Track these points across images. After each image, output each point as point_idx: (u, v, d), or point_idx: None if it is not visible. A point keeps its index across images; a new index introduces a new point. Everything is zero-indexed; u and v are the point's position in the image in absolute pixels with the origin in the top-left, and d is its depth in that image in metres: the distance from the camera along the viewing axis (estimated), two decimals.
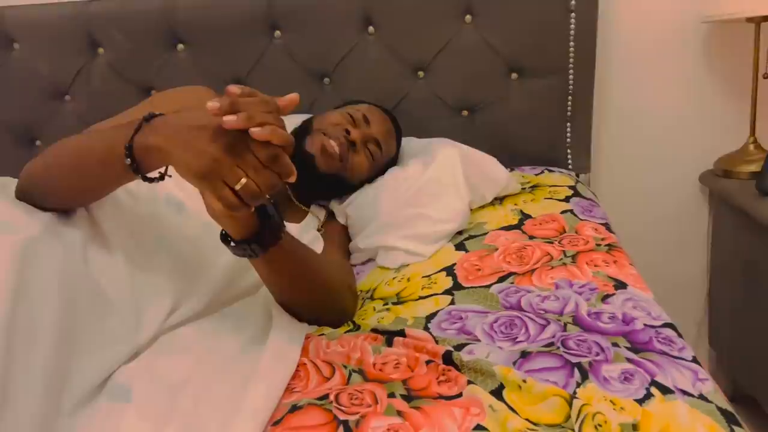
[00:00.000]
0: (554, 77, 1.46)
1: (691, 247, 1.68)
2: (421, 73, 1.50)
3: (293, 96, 0.67)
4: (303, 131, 1.15)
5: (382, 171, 1.22)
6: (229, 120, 0.61)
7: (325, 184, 1.15)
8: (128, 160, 0.69)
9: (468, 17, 1.45)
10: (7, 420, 0.60)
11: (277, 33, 1.51)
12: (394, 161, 1.27)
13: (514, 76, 1.48)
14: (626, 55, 1.56)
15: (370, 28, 1.48)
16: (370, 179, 1.21)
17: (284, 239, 0.78)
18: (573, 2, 1.41)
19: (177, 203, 0.92)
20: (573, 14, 1.41)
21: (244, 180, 0.63)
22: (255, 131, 0.61)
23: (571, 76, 1.46)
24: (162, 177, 0.73)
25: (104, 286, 0.79)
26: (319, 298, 0.89)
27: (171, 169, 0.70)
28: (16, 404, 0.61)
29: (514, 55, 1.46)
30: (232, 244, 0.76)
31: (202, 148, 0.63)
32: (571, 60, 1.45)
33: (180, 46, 1.55)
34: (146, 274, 0.84)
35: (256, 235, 0.75)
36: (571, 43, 1.43)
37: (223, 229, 0.76)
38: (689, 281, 1.69)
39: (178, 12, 1.51)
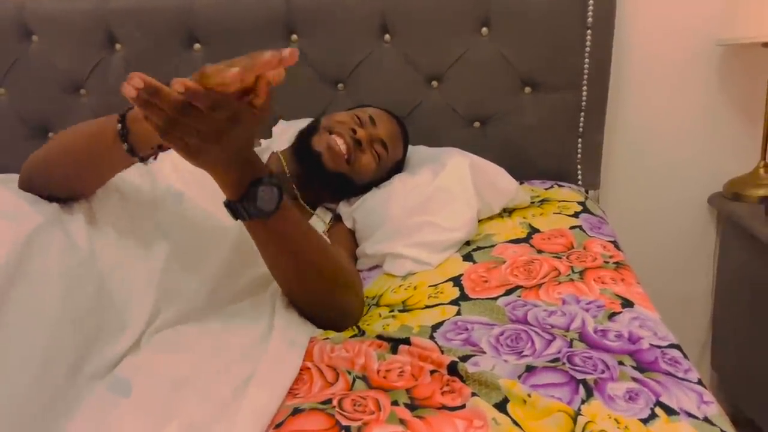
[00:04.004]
0: (567, 93, 1.47)
1: (697, 269, 1.67)
2: (435, 83, 1.51)
3: (292, 49, 0.62)
4: (310, 130, 1.17)
5: (388, 174, 1.23)
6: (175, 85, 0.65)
7: (331, 183, 1.15)
8: (119, 126, 0.77)
9: (484, 30, 1.46)
10: None
11: (294, 37, 1.52)
12: (400, 165, 1.28)
13: (527, 89, 1.49)
14: (640, 73, 1.56)
15: (387, 36, 1.49)
16: (376, 181, 1.21)
17: (288, 212, 0.79)
18: (590, 19, 1.41)
19: (176, 193, 0.93)
20: (589, 31, 1.42)
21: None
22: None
23: (584, 93, 1.46)
24: (154, 155, 0.79)
25: (106, 274, 0.81)
26: (326, 288, 0.89)
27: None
28: (8, 375, 0.63)
29: (529, 69, 1.46)
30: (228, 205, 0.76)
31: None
32: (586, 76, 1.45)
33: (197, 46, 1.55)
34: (145, 262, 0.85)
35: (246, 194, 0.74)
36: (586, 60, 1.44)
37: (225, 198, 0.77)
38: (694, 302, 1.69)
39: (197, 11, 1.52)
